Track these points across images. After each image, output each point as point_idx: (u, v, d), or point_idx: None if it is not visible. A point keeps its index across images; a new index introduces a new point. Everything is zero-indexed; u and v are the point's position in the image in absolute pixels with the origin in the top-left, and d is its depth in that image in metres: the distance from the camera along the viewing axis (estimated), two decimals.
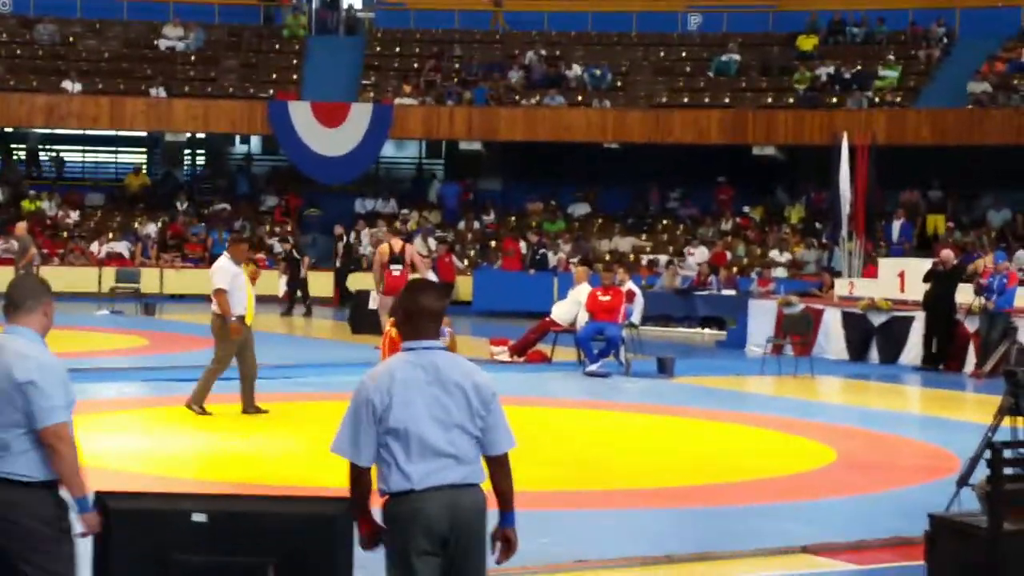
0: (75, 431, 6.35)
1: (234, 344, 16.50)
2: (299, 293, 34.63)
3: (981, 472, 9.80)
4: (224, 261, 16.71)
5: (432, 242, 39.03)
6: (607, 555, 10.08)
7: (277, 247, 38.41)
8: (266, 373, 20.59)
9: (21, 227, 29.59)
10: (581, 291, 23.27)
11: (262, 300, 33.96)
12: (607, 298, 22.34)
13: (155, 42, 43.28)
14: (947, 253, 24.90)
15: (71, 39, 43.33)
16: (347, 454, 6.20)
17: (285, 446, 15.00)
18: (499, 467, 6.30)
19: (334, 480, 12.80)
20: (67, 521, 6.36)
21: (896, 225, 35.69)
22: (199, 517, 6.53)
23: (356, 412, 6.20)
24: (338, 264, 36.47)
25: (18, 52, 42.82)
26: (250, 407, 16.69)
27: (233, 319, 16.40)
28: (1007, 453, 8.46)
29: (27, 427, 6.25)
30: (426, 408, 6.15)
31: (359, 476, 6.22)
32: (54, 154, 45.01)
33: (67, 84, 40.29)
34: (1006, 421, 9.97)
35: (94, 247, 38.80)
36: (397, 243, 24.52)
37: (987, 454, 8.47)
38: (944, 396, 21.58)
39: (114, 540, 6.25)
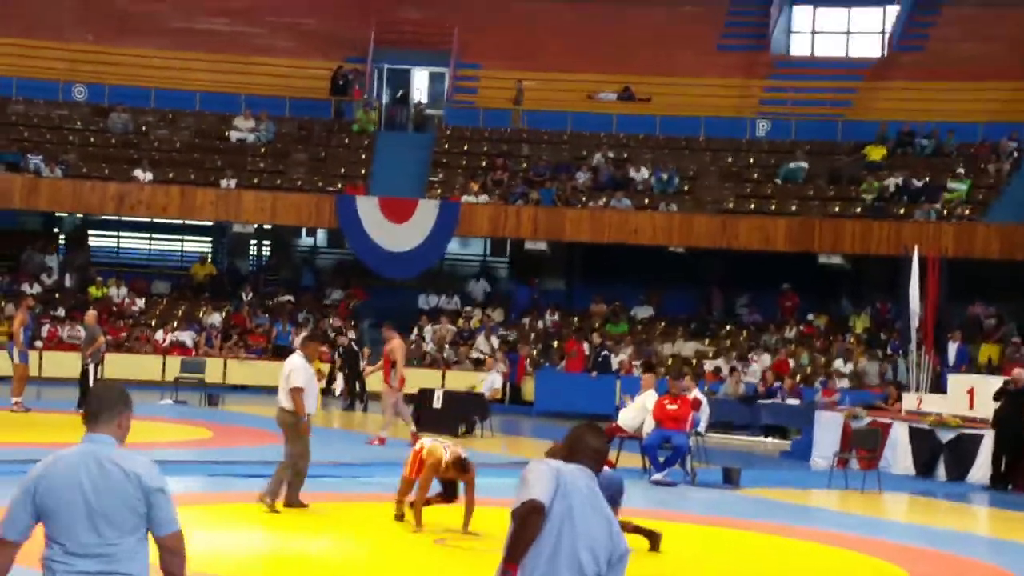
0: None
1: (307, 440, 16.61)
2: (357, 387, 34.64)
3: None
4: (299, 360, 16.80)
5: (495, 340, 39.05)
6: None
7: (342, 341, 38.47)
8: (328, 471, 20.61)
9: (91, 316, 29.70)
10: (648, 398, 23.13)
11: (326, 394, 34.28)
12: (675, 407, 22.21)
13: (226, 133, 43.71)
14: (1019, 372, 24.65)
15: (143, 128, 43.82)
16: (537, 494, 6.29)
17: (350, 548, 14.91)
18: None
19: None
20: None
21: (952, 348, 34.81)
22: None
23: (541, 473, 6.36)
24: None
25: (91, 140, 43.33)
26: (295, 502, 16.66)
27: (306, 418, 16.55)
28: None
29: (142, 532, 6.38)
30: (580, 516, 6.35)
31: (536, 512, 6.30)
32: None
33: (138, 173, 40.71)
34: None
35: (158, 335, 39.02)
36: None
37: None
38: (1013, 517, 21.29)
39: None
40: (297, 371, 16.61)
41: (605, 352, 37.17)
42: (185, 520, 15.87)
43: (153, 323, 39.98)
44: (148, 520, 6.40)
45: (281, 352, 38.03)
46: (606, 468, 15.43)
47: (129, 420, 6.58)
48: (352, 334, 36.32)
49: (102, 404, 6.52)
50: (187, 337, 39.10)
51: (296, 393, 16.48)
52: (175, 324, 39.81)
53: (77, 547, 6.28)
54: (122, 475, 6.35)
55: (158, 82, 44.66)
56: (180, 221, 43.41)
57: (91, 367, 27.97)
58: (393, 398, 25.20)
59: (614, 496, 15.34)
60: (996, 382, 24.87)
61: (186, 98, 44.56)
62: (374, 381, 32.61)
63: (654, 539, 15.21)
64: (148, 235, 46.29)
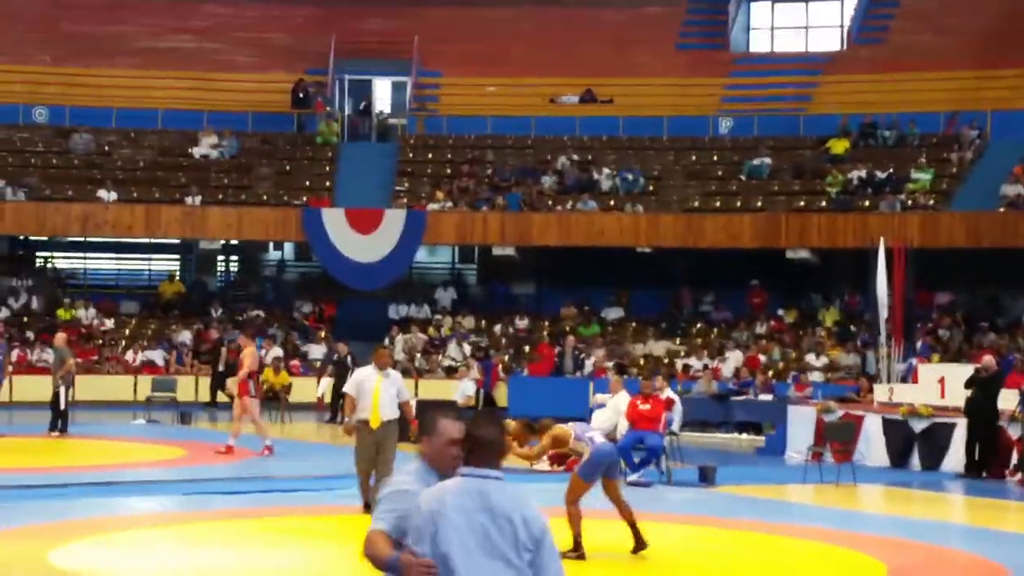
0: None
1: (362, 447, 17.43)
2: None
3: None
4: (362, 369, 18.12)
5: (467, 348, 39.04)
6: None
7: (314, 353, 38.34)
8: (308, 484, 20.61)
9: (60, 338, 29.56)
10: (620, 400, 23.15)
11: (300, 408, 34.11)
12: (647, 407, 22.22)
13: (189, 150, 43.60)
14: (989, 359, 24.75)
15: (106, 148, 43.68)
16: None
17: (329, 561, 14.88)
18: None
19: None
20: None
21: (920, 345, 34.62)
22: None
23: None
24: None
25: (54, 162, 43.19)
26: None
27: (347, 421, 17.80)
28: None
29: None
30: (471, 536, 6.17)
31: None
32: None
33: (103, 193, 40.58)
34: None
35: (128, 355, 38.89)
36: None
37: None
38: (988, 505, 21.38)
39: None
40: (350, 380, 17.99)
41: (583, 356, 37.19)
42: (163, 539, 15.84)
43: (123, 343, 39.85)
44: None
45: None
46: (605, 442, 15.44)
47: (430, 443, 6.62)
48: (344, 347, 35.56)
49: (420, 420, 6.89)
50: (157, 356, 38.97)
51: (344, 398, 17.97)
52: (145, 343, 39.65)
53: None
54: None
55: (120, 102, 44.58)
56: (146, 240, 43.30)
57: (62, 389, 27.88)
58: (254, 406, 24.85)
59: (610, 469, 15.38)
60: (966, 370, 24.95)
61: (148, 116, 44.46)
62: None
63: (640, 543, 15.17)
64: (115, 255, 46.11)
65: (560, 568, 6.27)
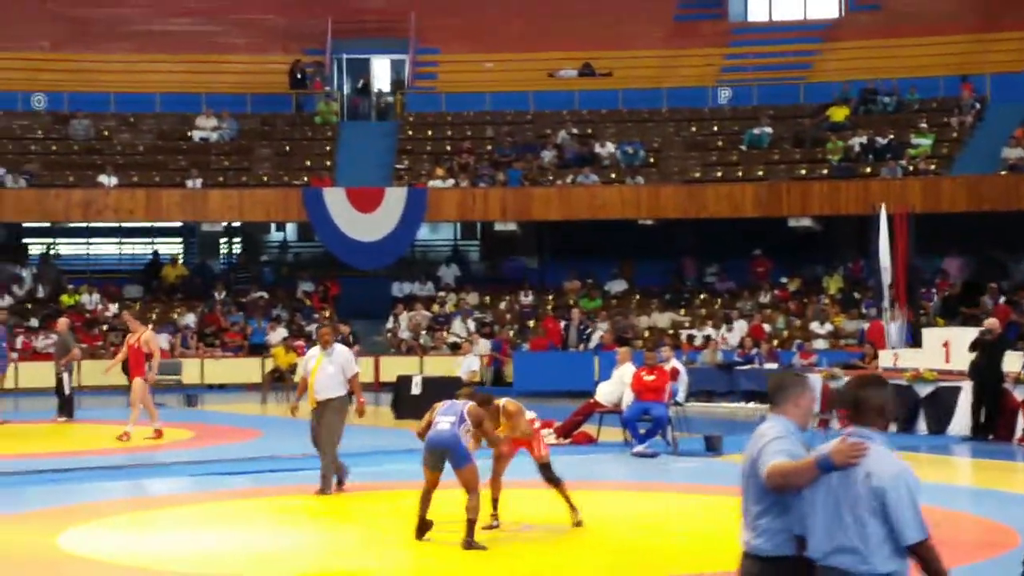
0: None
1: (311, 427, 17.50)
2: None
3: None
4: (312, 348, 18.54)
5: (471, 324, 39.05)
6: None
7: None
8: (313, 463, 20.61)
9: (63, 324, 29.54)
10: (625, 371, 23.15)
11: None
12: (652, 378, 22.22)
13: (189, 133, 43.58)
14: (993, 321, 24.72)
15: (106, 133, 43.65)
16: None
17: (336, 538, 14.89)
18: None
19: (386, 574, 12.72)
20: None
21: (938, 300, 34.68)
22: None
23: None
24: None
25: (54, 148, 43.16)
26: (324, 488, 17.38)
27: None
28: None
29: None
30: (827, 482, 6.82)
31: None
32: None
33: (103, 178, 40.57)
34: None
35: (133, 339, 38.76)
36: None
37: None
38: (995, 467, 21.39)
39: None
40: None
41: (588, 330, 37.19)
42: (174, 521, 15.82)
43: (126, 328, 39.76)
44: None
45: (257, 349, 38.04)
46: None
47: (805, 399, 7.18)
48: (345, 328, 35.62)
49: (774, 387, 7.21)
50: (162, 340, 38.87)
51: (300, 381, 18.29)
52: (149, 327, 39.53)
53: None
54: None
55: (117, 86, 44.54)
56: (148, 224, 43.29)
57: (65, 375, 27.88)
58: (145, 391, 24.47)
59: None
60: (971, 333, 24.92)
61: (146, 100, 44.44)
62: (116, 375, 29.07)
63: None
64: (117, 240, 46.07)
65: (910, 520, 6.62)
